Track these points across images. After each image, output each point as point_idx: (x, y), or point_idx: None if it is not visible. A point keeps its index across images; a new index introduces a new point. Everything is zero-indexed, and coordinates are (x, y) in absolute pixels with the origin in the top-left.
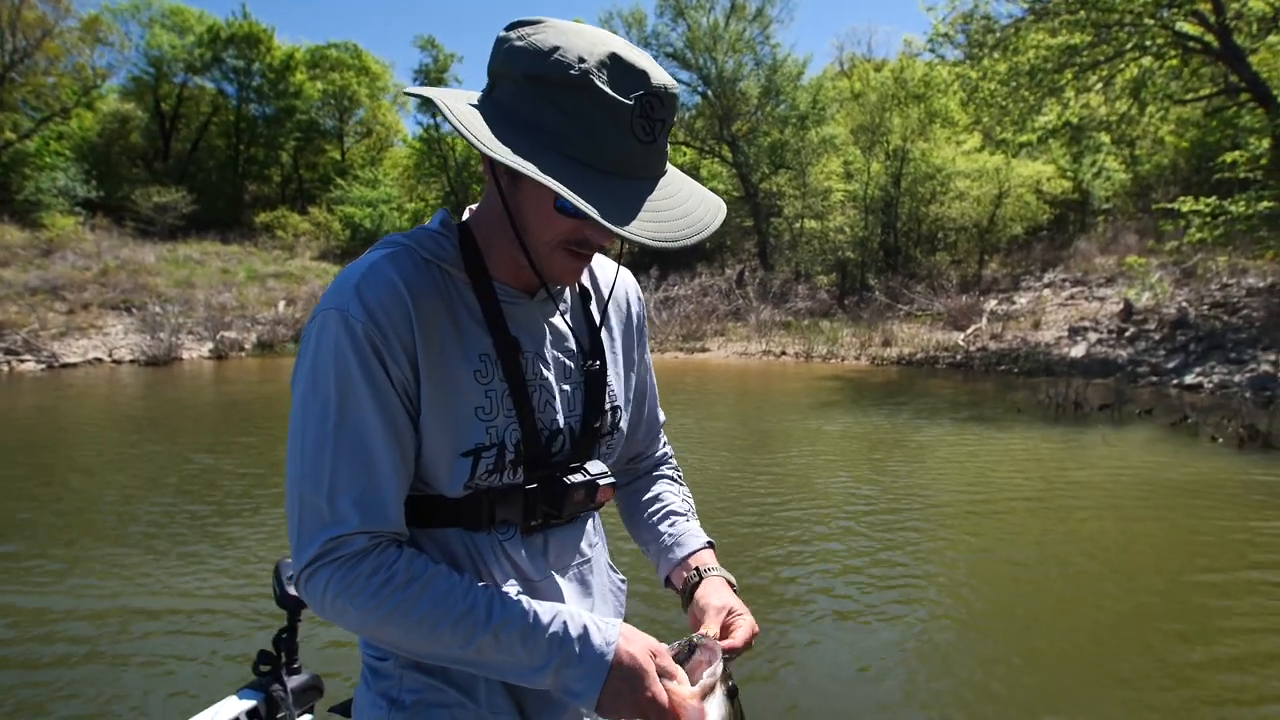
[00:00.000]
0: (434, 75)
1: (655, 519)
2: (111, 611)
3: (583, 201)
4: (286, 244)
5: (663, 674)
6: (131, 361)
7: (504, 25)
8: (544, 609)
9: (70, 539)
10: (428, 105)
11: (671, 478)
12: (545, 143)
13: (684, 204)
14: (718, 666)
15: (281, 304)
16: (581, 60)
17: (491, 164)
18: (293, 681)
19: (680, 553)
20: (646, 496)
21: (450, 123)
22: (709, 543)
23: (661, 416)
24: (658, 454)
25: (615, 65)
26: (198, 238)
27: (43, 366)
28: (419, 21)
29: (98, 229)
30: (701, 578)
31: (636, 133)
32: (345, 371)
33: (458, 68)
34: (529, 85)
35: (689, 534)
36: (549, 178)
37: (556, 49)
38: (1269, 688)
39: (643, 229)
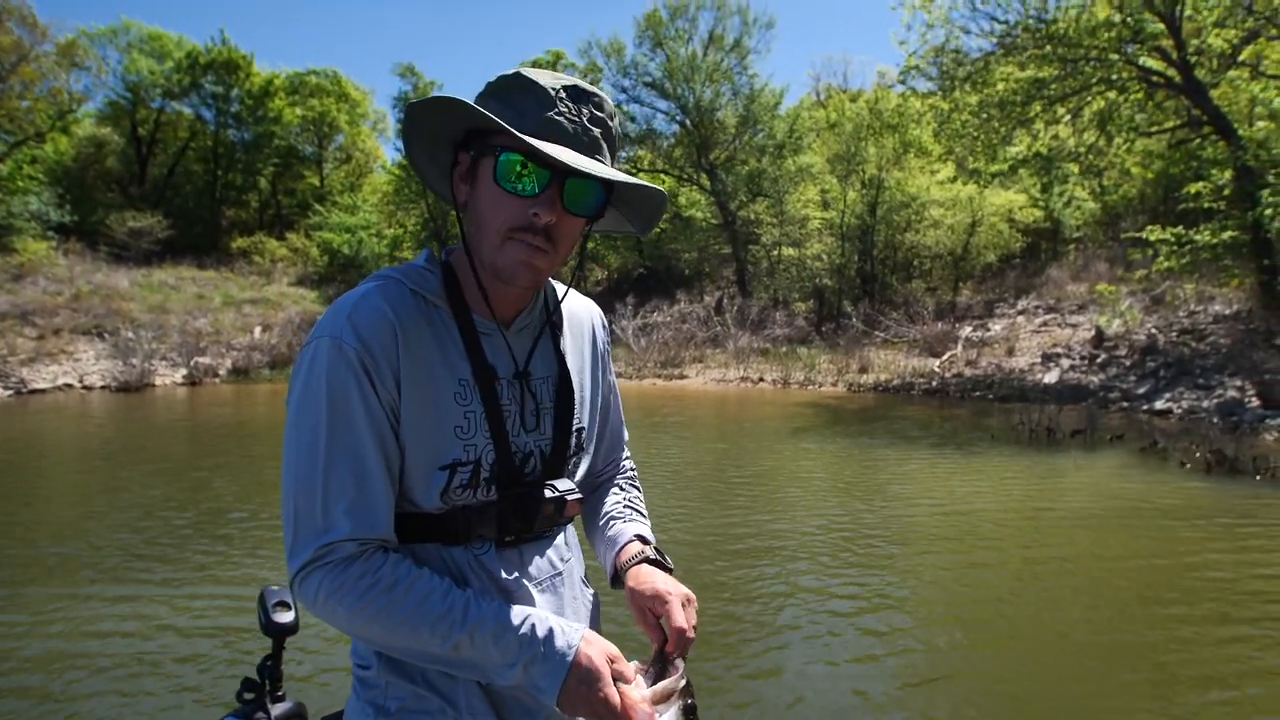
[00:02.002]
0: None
1: (600, 527)
2: (91, 639)
3: (502, 122)
4: (264, 270)
5: (619, 678)
6: (103, 387)
7: (479, 54)
8: (515, 612)
9: (45, 566)
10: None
11: (620, 485)
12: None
13: (618, 174)
14: (677, 681)
15: (258, 330)
16: (520, 70)
17: (465, 183)
18: (277, 709)
19: (612, 552)
20: (596, 510)
21: (434, 100)
22: (636, 535)
23: (624, 435)
24: (616, 467)
25: (548, 75)
26: (173, 263)
27: (11, 393)
28: (399, 49)
29: (70, 254)
30: (625, 572)
31: (564, 111)
32: (339, 392)
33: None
34: (481, 99)
35: (619, 534)
36: (477, 106)
37: (507, 73)
38: (1239, 705)
39: (570, 157)
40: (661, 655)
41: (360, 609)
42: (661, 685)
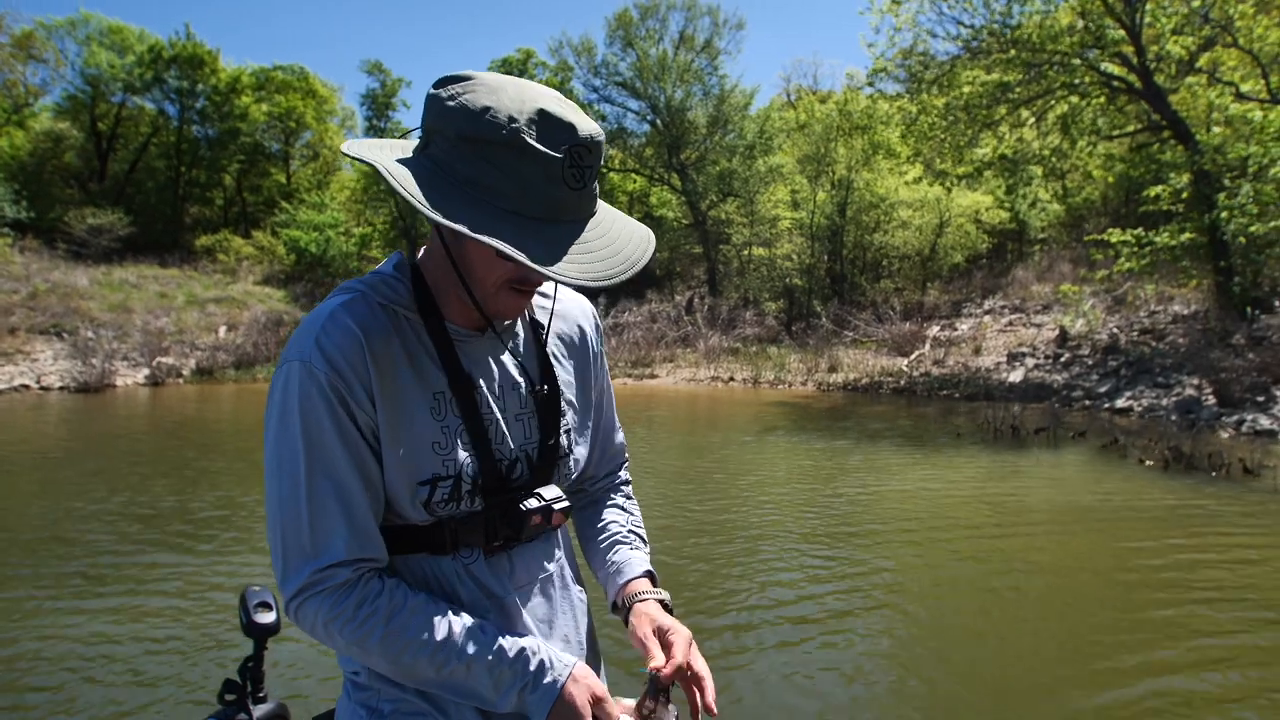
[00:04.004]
0: (381, 100)
1: (603, 547)
2: (70, 643)
3: (517, 251)
4: (228, 268)
5: (603, 717)
6: (61, 388)
7: (449, 51)
8: (509, 644)
9: (13, 571)
10: (376, 130)
11: (621, 505)
12: (481, 197)
13: (614, 241)
14: (664, 716)
15: (222, 329)
16: (512, 120)
17: None
18: (258, 710)
19: (620, 580)
20: (597, 524)
21: (394, 189)
22: (646, 571)
23: (619, 438)
24: (614, 478)
25: (544, 121)
26: (134, 261)
27: None
28: (367, 46)
29: (27, 251)
30: (633, 604)
31: (568, 181)
32: (312, 419)
33: (405, 92)
34: (463, 144)
35: (628, 563)
36: (484, 235)
37: (488, 109)
38: (1195, 696)
39: (576, 270)
40: (656, 680)
41: (359, 639)
42: None
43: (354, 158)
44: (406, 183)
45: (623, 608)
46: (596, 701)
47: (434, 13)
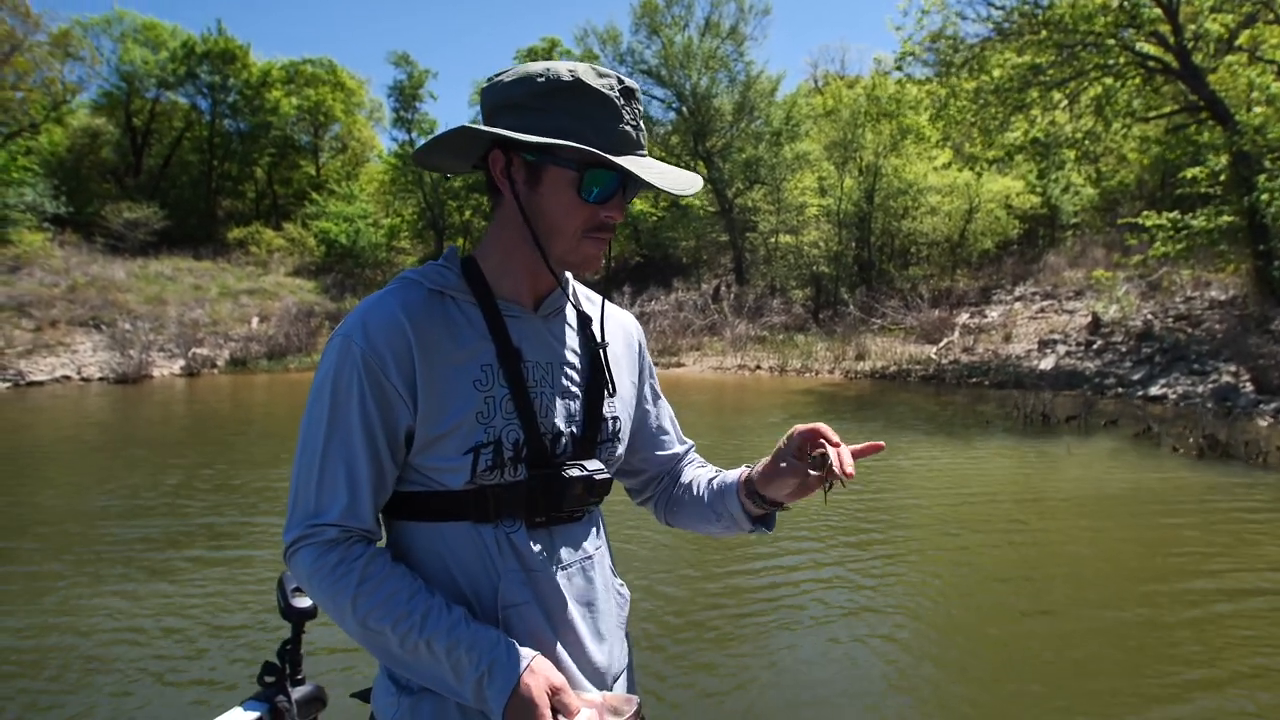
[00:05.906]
0: (409, 91)
1: (707, 486)
2: (112, 625)
3: (620, 160)
4: (260, 260)
5: (561, 710)
6: (100, 379)
7: (474, 41)
8: (469, 630)
9: (58, 556)
10: (403, 121)
11: (698, 464)
12: (562, 139)
13: (673, 172)
14: (625, 709)
15: (255, 320)
16: (570, 71)
17: (508, 178)
18: (297, 693)
19: (742, 476)
20: (684, 482)
21: (493, 133)
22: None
23: (683, 446)
24: (688, 458)
25: (594, 71)
26: (169, 254)
27: (8, 384)
28: (393, 37)
29: (66, 245)
30: (757, 469)
31: (625, 118)
32: (343, 389)
33: (432, 84)
34: (533, 101)
35: (732, 472)
36: (584, 146)
37: (547, 69)
38: (1228, 691)
39: (660, 181)
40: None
41: (332, 595)
42: (608, 715)
43: (435, 139)
44: (505, 132)
45: (754, 487)
46: (555, 692)
47: (459, 3)
